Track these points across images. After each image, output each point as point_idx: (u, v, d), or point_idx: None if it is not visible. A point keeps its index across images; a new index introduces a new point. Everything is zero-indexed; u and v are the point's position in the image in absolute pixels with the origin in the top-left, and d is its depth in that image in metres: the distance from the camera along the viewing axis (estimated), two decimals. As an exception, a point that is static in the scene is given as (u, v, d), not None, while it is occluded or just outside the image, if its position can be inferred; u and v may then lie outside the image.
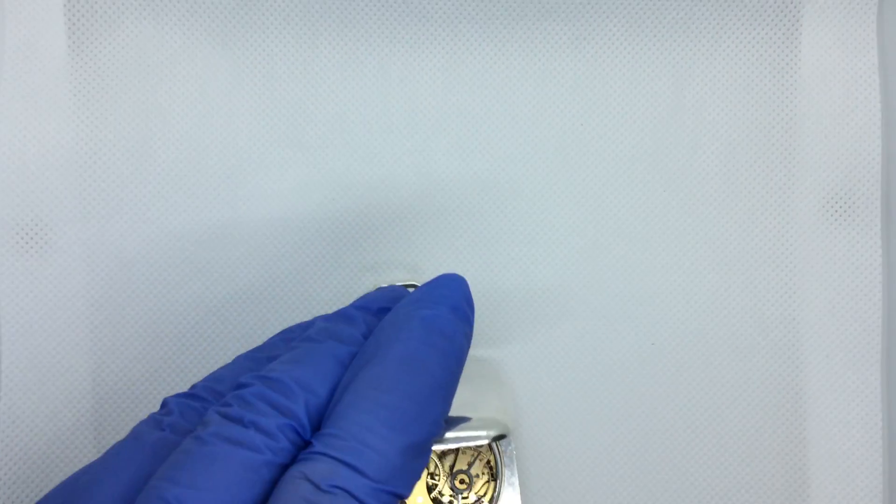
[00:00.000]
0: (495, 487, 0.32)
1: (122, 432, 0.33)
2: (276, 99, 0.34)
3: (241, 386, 0.24)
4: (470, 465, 0.32)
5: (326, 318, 0.27)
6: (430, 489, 0.31)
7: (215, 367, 0.33)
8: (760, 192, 0.35)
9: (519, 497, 0.32)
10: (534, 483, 0.34)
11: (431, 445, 0.24)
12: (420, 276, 0.35)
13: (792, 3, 0.35)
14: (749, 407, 0.35)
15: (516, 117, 0.35)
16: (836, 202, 0.35)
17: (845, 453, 0.35)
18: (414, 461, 0.23)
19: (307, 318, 0.33)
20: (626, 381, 0.35)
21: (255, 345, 0.34)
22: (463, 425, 0.31)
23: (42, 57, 0.33)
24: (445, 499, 0.32)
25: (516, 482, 0.32)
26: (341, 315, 0.27)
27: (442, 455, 0.32)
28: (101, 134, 0.33)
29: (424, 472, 0.31)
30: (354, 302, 0.28)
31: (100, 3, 0.33)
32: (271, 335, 0.34)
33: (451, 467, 0.32)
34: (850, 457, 0.35)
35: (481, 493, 0.32)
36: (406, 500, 0.26)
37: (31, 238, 0.33)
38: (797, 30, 0.35)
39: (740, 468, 0.35)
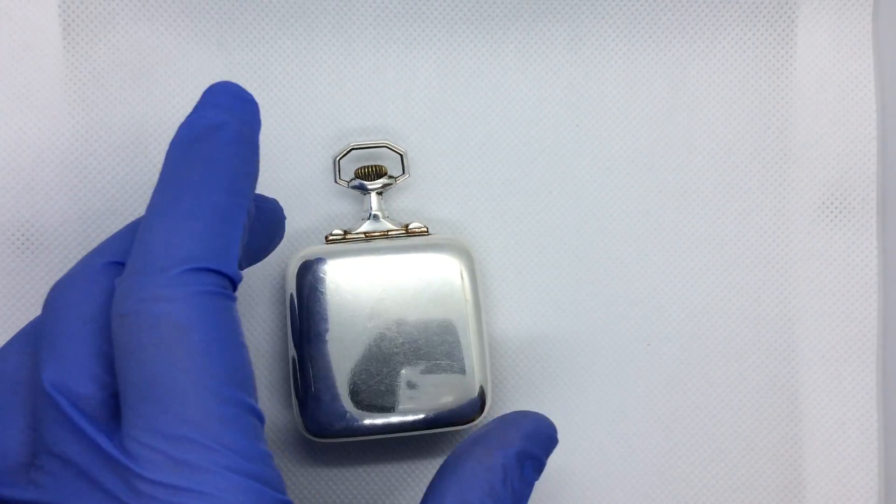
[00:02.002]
0: None
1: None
2: (271, 100, 0.34)
3: None
4: None
5: None
6: None
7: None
8: (756, 193, 0.35)
9: None
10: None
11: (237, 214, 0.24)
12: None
13: (787, 4, 0.35)
14: (745, 407, 0.35)
15: (512, 118, 0.35)
16: (832, 203, 0.35)
17: (841, 454, 0.35)
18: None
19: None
20: (621, 381, 0.35)
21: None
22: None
23: (37, 58, 0.33)
24: None
25: None
26: None
27: None
28: (96, 135, 0.33)
29: None
30: None
31: (95, 4, 0.33)
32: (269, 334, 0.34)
33: None
34: (846, 457, 0.35)
35: None
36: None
37: (27, 239, 0.33)
38: (793, 31, 0.35)
39: (736, 469, 0.35)
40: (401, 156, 0.34)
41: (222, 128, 0.24)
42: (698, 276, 0.35)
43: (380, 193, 0.33)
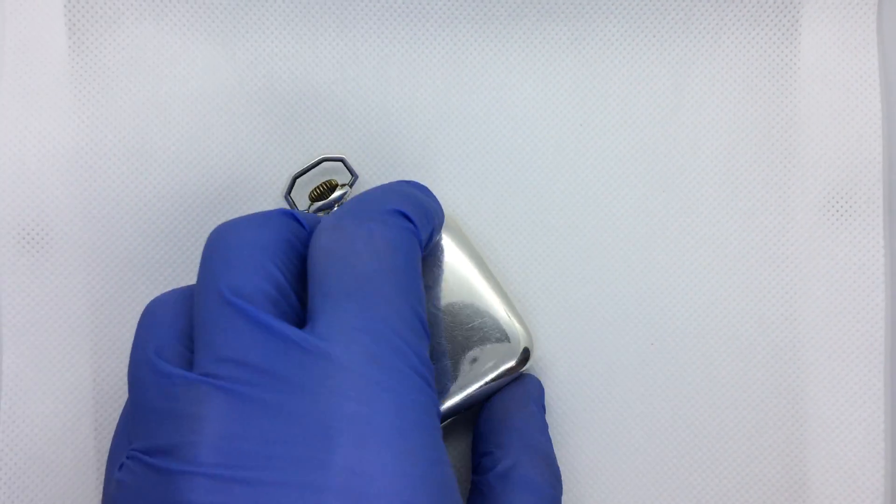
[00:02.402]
0: None
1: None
2: (275, 98, 0.34)
3: None
4: None
5: None
6: None
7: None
8: (761, 191, 0.35)
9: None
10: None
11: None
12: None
13: (791, 2, 0.35)
14: (749, 407, 0.35)
15: (515, 117, 0.35)
16: (837, 201, 0.35)
17: (846, 454, 0.34)
18: None
19: None
20: (625, 381, 0.35)
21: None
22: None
23: (43, 57, 0.33)
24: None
25: None
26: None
27: None
28: (101, 134, 0.34)
29: None
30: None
31: (100, 3, 0.33)
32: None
33: None
34: (851, 458, 0.34)
35: None
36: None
37: (32, 237, 0.33)
38: (797, 29, 0.35)
39: (740, 468, 0.34)
40: (342, 162, 0.34)
41: (419, 186, 0.31)
42: (702, 275, 0.35)
43: (340, 202, 0.33)
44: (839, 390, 0.35)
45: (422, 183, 0.32)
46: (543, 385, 0.34)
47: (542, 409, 0.32)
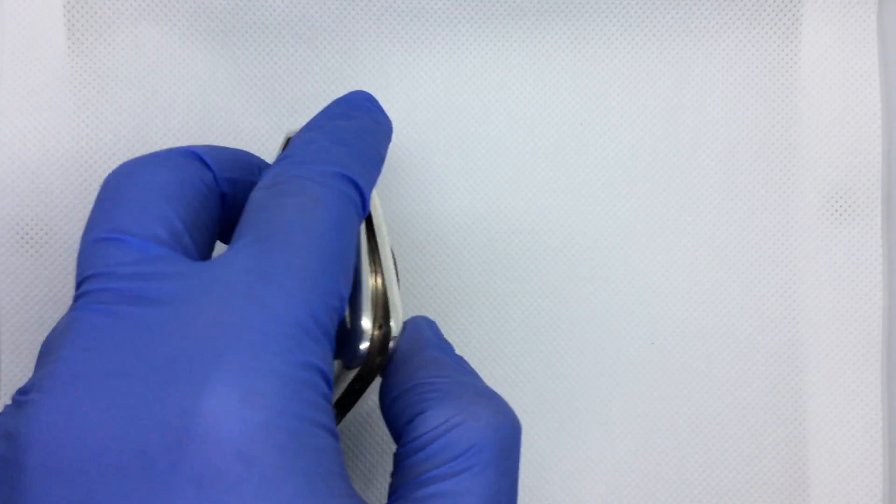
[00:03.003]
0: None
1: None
2: (276, 99, 0.34)
3: None
4: None
5: None
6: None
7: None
8: (760, 191, 0.35)
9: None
10: (532, 483, 0.34)
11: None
12: (419, 274, 0.35)
13: (792, 2, 0.35)
14: (749, 406, 0.35)
15: (516, 116, 0.35)
16: (837, 201, 0.35)
17: (845, 453, 0.34)
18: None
19: None
20: (625, 380, 0.35)
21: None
22: None
23: (42, 58, 0.33)
24: None
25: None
26: None
27: None
28: (101, 134, 0.34)
29: None
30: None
31: (99, 4, 0.33)
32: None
33: None
34: (850, 456, 0.34)
35: None
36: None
37: (32, 237, 0.33)
38: (797, 28, 0.35)
39: (740, 468, 0.35)
40: None
41: (371, 111, 0.28)
42: (702, 274, 0.35)
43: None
44: (838, 389, 0.35)
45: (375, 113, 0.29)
46: (544, 385, 0.34)
47: (442, 345, 0.27)
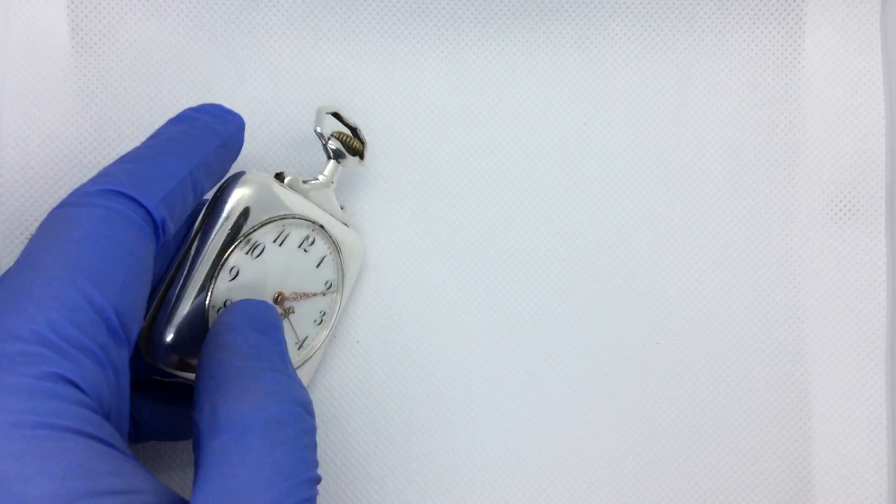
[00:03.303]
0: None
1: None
2: (279, 98, 0.34)
3: None
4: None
5: None
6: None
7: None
8: (765, 190, 0.35)
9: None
10: (537, 481, 0.34)
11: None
12: (420, 274, 0.35)
13: (795, 1, 0.35)
14: (754, 406, 0.35)
15: (520, 116, 0.35)
16: (841, 201, 0.35)
17: (850, 452, 0.34)
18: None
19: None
20: (630, 380, 0.35)
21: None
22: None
23: (46, 57, 0.33)
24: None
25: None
26: None
27: None
28: (105, 133, 0.33)
29: None
30: None
31: (103, 4, 0.33)
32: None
33: None
34: (855, 456, 0.34)
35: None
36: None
37: (35, 238, 0.33)
38: (800, 28, 0.35)
39: (745, 467, 0.34)
40: (363, 144, 0.34)
41: (194, 119, 0.28)
42: (707, 274, 0.35)
43: (338, 161, 0.33)
44: (842, 388, 0.35)
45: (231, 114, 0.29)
46: (549, 385, 0.34)
47: (246, 327, 0.26)
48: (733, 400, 0.35)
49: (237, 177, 0.30)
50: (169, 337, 0.28)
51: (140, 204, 0.25)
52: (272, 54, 0.34)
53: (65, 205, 0.24)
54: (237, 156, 0.29)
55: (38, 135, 0.33)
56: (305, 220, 0.31)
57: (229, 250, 0.29)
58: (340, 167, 0.33)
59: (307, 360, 0.32)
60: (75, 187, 0.26)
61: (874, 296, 0.35)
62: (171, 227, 0.26)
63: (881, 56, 0.35)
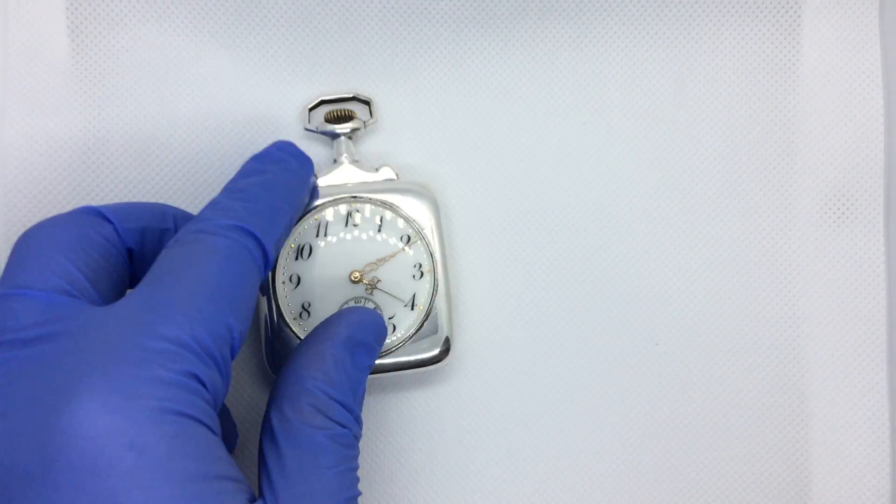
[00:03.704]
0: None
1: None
2: (280, 100, 0.34)
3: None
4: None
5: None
6: None
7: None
8: (762, 190, 0.35)
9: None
10: (534, 480, 0.34)
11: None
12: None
13: None
14: (752, 407, 0.34)
15: (517, 115, 0.35)
16: (839, 200, 0.35)
17: (850, 453, 0.34)
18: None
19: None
20: (629, 380, 0.34)
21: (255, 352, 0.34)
22: None
23: (45, 60, 0.33)
24: None
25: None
26: None
27: None
28: (105, 135, 0.34)
29: None
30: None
31: (101, 6, 0.34)
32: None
33: None
34: (855, 458, 0.34)
35: None
36: None
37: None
38: (798, 26, 0.35)
39: (743, 468, 0.34)
40: (368, 103, 0.34)
41: (284, 161, 0.31)
42: (704, 274, 0.35)
43: (349, 138, 0.34)
44: (842, 389, 0.34)
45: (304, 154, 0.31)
46: (547, 385, 0.34)
47: (351, 351, 0.28)
48: (731, 401, 0.34)
49: None
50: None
51: (260, 243, 0.27)
52: (272, 55, 0.34)
53: (203, 231, 0.27)
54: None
55: (38, 136, 0.33)
56: (334, 200, 0.32)
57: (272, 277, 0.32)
58: (349, 141, 0.34)
59: (429, 314, 0.32)
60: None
61: (873, 296, 0.35)
62: (273, 265, 0.29)
63: (880, 54, 0.35)
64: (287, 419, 0.26)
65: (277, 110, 0.34)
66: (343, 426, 0.27)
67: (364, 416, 0.33)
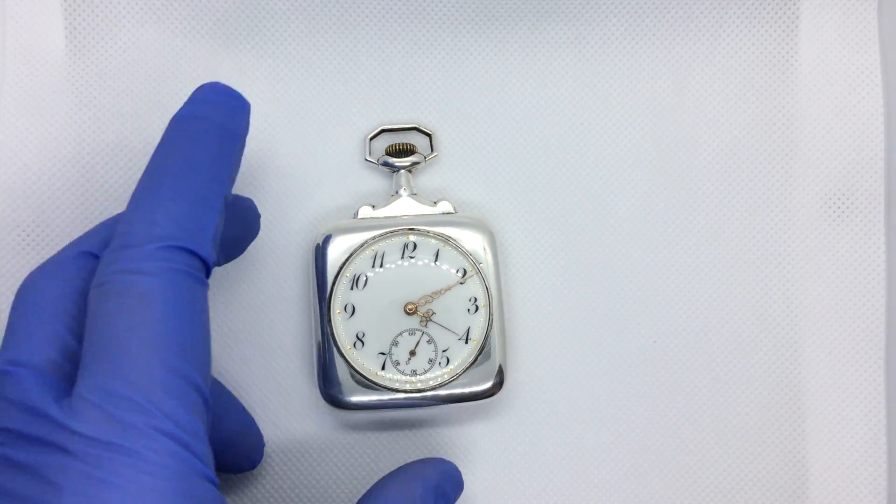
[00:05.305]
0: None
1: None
2: (278, 100, 0.34)
3: None
4: None
5: None
6: None
7: (213, 372, 0.33)
8: (762, 189, 0.35)
9: None
10: (536, 479, 0.34)
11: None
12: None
13: None
14: (751, 404, 0.35)
15: (516, 117, 0.35)
16: (838, 199, 0.35)
17: (848, 451, 0.34)
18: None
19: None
20: (628, 378, 0.35)
21: (257, 351, 0.34)
22: None
23: (42, 61, 0.33)
24: None
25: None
26: None
27: None
28: (101, 136, 0.34)
29: None
30: None
31: (99, 7, 0.33)
32: (278, 341, 0.34)
33: None
34: (852, 455, 0.34)
35: None
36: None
37: (32, 239, 0.33)
38: (796, 26, 0.35)
39: (742, 466, 0.34)
40: (429, 136, 0.34)
41: (205, 119, 0.26)
42: (704, 272, 0.35)
43: (409, 171, 0.34)
44: (840, 387, 0.35)
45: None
46: (545, 384, 0.34)
47: (435, 498, 0.29)
48: (730, 398, 0.35)
49: (326, 241, 0.32)
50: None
51: (196, 254, 0.24)
52: (269, 57, 0.34)
53: (129, 272, 0.23)
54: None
55: (36, 138, 0.33)
56: (387, 233, 0.32)
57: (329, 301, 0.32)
58: (409, 174, 0.34)
59: (483, 347, 0.32)
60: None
61: (872, 294, 0.35)
62: (217, 260, 0.26)
63: (879, 53, 0.35)
64: None
65: (276, 110, 0.34)
66: None
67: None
